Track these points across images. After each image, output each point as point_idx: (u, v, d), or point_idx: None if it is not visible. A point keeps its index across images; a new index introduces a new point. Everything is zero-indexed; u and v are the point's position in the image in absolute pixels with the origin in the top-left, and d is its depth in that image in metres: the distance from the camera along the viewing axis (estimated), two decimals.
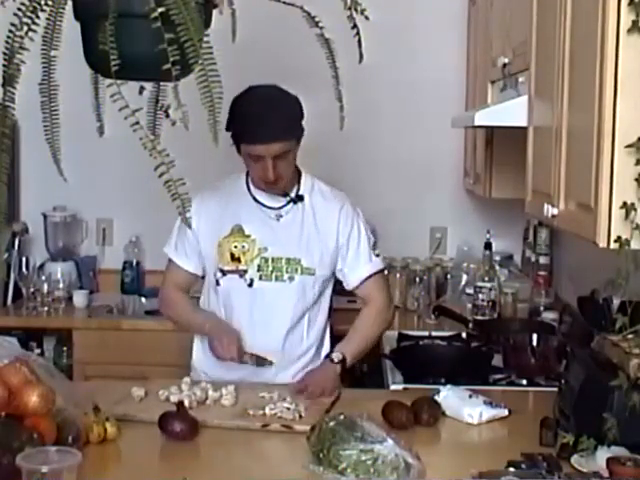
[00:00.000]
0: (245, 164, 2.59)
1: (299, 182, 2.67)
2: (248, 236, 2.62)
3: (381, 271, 2.75)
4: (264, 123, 2.46)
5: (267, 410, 2.25)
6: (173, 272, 2.74)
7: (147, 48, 1.55)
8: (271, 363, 2.58)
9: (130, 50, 1.56)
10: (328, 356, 2.62)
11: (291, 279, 2.61)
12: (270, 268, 2.61)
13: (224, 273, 2.63)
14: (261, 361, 2.58)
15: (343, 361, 2.58)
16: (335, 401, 2.41)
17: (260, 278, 2.61)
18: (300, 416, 2.23)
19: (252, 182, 2.65)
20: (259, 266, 2.61)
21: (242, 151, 2.53)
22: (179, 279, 2.74)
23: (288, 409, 2.25)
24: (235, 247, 2.62)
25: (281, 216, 2.64)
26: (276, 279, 2.61)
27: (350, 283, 2.71)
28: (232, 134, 2.51)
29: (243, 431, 2.19)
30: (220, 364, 2.60)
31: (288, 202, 2.65)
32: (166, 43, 1.51)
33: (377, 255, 2.72)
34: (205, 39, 1.54)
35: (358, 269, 2.69)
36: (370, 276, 2.70)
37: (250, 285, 2.61)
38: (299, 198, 2.65)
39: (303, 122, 2.56)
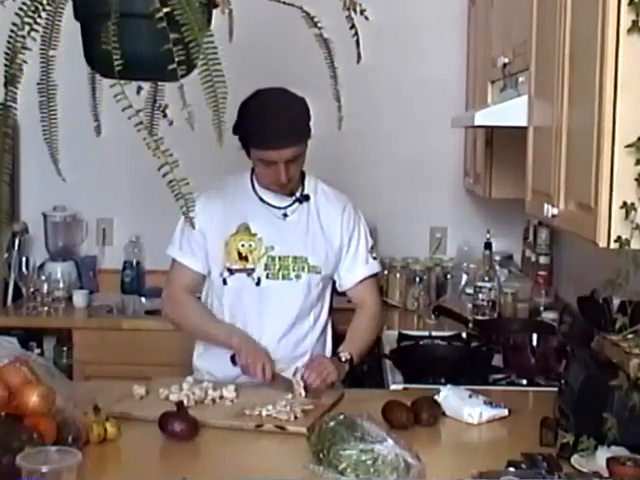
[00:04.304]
0: (255, 167, 2.60)
1: (303, 183, 2.68)
2: (255, 235, 2.62)
3: (375, 274, 2.78)
4: (276, 129, 2.46)
5: (263, 410, 2.25)
6: (179, 274, 2.70)
7: (149, 48, 1.55)
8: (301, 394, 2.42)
9: (132, 50, 1.56)
10: (335, 355, 2.62)
11: (298, 277, 2.62)
12: (277, 266, 2.61)
13: (232, 272, 2.62)
14: (290, 386, 2.45)
15: (350, 361, 2.59)
16: (336, 402, 2.41)
17: (267, 277, 2.61)
18: (295, 417, 2.22)
19: (257, 181, 2.65)
20: (266, 265, 2.61)
21: (252, 155, 2.54)
22: (186, 280, 2.69)
23: (284, 410, 2.25)
24: (242, 245, 2.61)
25: (287, 215, 2.65)
26: (283, 277, 2.61)
27: (345, 284, 2.73)
28: (241, 137, 2.51)
29: (243, 431, 2.18)
30: (225, 364, 2.60)
31: (294, 201, 2.66)
32: (171, 43, 1.51)
33: (374, 258, 2.75)
34: (209, 39, 1.53)
35: (354, 271, 2.72)
36: (365, 279, 2.73)
37: (258, 284, 2.61)
38: (305, 198, 2.67)
39: (311, 123, 2.56)
